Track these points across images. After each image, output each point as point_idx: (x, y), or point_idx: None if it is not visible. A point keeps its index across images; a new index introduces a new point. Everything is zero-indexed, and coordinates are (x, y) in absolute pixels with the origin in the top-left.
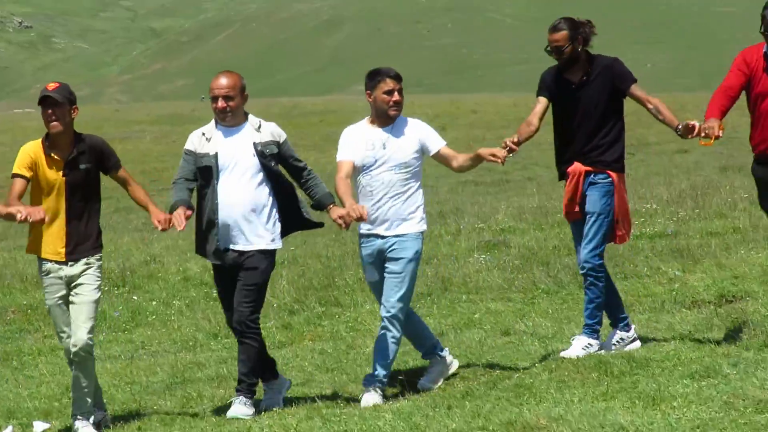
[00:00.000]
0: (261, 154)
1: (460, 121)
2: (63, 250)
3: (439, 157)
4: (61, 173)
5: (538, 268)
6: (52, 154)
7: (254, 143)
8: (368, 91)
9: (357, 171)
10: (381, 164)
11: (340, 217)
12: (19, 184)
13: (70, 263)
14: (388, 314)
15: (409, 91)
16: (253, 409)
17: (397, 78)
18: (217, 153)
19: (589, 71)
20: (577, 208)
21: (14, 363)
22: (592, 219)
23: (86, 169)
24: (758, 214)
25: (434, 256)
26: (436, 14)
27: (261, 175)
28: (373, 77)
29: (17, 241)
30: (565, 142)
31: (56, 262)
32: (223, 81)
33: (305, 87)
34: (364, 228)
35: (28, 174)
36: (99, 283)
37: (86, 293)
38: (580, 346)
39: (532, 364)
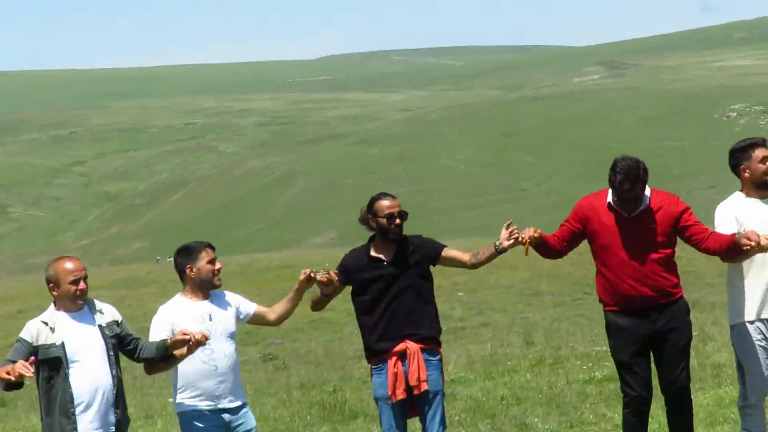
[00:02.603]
0: (106, 336)
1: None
2: None
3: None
4: None
5: (484, 422)
6: None
7: (100, 326)
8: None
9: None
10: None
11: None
12: None
13: None
14: None
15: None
16: None
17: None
18: (63, 342)
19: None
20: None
21: None
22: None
23: None
24: (705, 352)
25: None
26: (390, 163)
27: (109, 357)
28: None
29: None
30: None
31: None
32: (79, 263)
33: (262, 243)
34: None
35: None
36: None
37: None
38: None
39: None
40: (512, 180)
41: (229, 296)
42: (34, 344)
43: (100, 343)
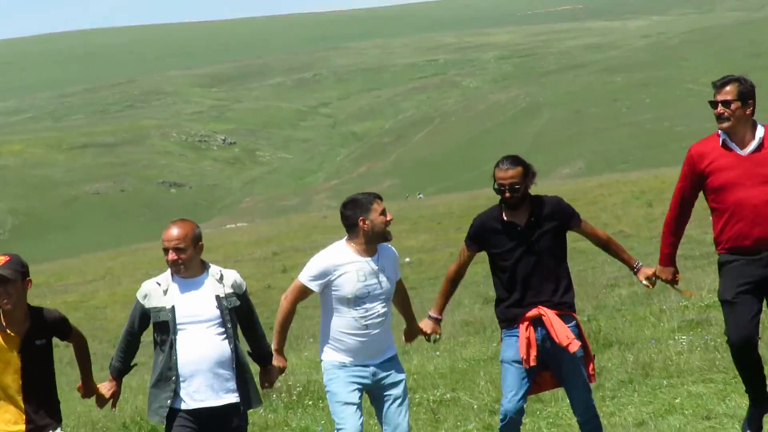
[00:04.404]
0: (223, 307)
1: (667, 195)
2: (24, 428)
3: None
4: (16, 351)
5: None
6: (8, 330)
7: (217, 296)
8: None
9: None
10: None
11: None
12: None
13: None
14: None
15: (614, 168)
16: None
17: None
18: (174, 306)
19: None
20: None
21: None
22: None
23: (42, 345)
24: None
25: (636, 341)
26: (634, 91)
27: (225, 329)
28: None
29: None
30: None
31: None
32: (174, 232)
33: None
34: None
35: None
36: None
37: None
38: None
39: None
40: (760, 101)
41: (394, 255)
42: (146, 306)
43: (214, 313)
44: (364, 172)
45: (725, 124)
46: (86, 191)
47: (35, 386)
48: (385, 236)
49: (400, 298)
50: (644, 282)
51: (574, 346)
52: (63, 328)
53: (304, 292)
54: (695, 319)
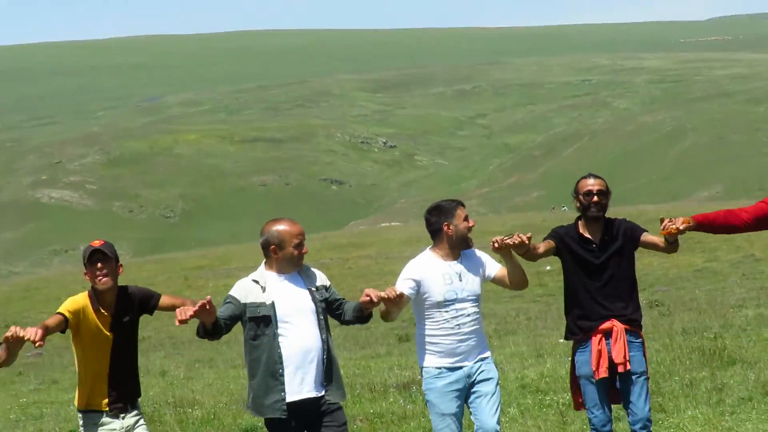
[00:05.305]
0: (316, 300)
1: None
2: (106, 401)
3: (497, 280)
4: (108, 329)
5: None
6: (101, 310)
7: (310, 289)
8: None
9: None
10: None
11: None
12: (56, 318)
13: (122, 415)
14: None
15: (751, 195)
16: None
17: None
18: (273, 302)
19: None
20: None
21: None
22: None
23: (130, 321)
24: None
25: (759, 360)
26: None
27: (319, 321)
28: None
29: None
30: None
31: (109, 414)
32: (301, 227)
33: (651, 195)
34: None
35: (70, 317)
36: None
37: None
38: None
39: None
40: None
41: (480, 255)
42: (243, 301)
43: (310, 306)
44: (513, 182)
45: None
46: (253, 183)
47: (121, 362)
48: (467, 242)
49: (511, 278)
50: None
51: (623, 367)
52: (147, 303)
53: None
54: None
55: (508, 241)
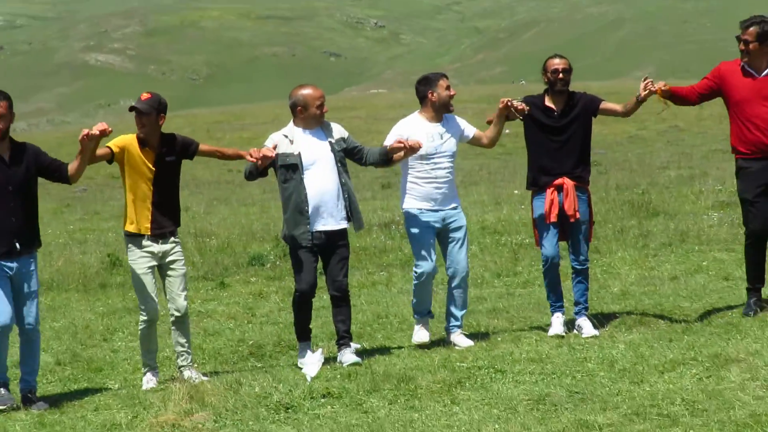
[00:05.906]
0: (335, 150)
1: (716, 101)
2: (149, 226)
3: (474, 140)
4: (152, 164)
5: None
6: (147, 149)
7: (330, 141)
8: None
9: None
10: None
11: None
12: (104, 149)
13: (161, 240)
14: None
15: (678, 76)
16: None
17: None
18: (300, 153)
19: None
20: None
21: None
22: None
23: (172, 162)
24: None
25: (678, 213)
26: (700, 15)
27: (337, 167)
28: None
29: None
30: None
31: (150, 238)
32: (322, 91)
33: (595, 73)
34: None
35: (116, 150)
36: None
37: (180, 267)
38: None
39: (743, 305)
40: None
41: (459, 120)
42: (275, 152)
43: (329, 156)
44: (481, 59)
45: (745, 59)
46: (265, 53)
47: (162, 195)
48: (447, 107)
49: (493, 136)
50: (643, 94)
51: (573, 218)
52: (185, 144)
53: None
54: (726, 201)
55: (516, 104)
